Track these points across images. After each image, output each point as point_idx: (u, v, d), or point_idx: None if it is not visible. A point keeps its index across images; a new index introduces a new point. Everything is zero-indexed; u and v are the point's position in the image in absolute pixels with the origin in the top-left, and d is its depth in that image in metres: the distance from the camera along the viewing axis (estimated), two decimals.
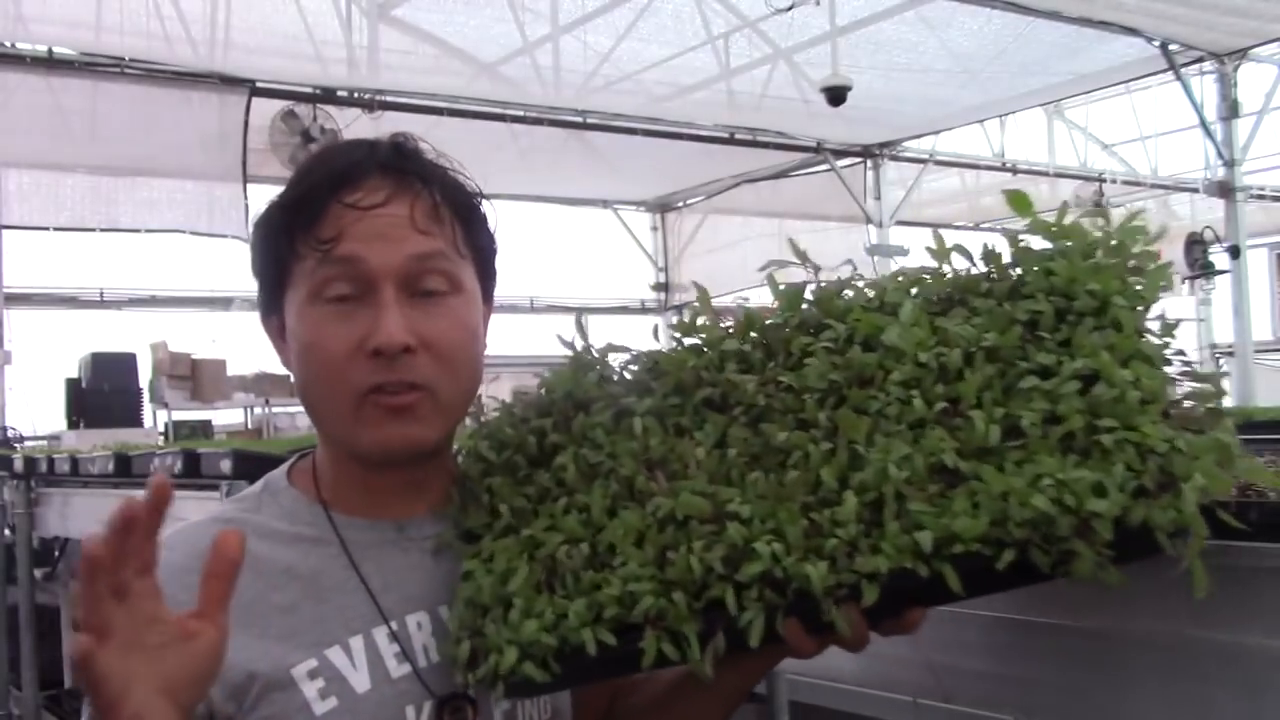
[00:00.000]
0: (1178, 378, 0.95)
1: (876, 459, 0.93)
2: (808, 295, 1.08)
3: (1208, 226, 11.30)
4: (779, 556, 0.92)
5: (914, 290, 1.05)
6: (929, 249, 1.06)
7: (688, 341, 1.11)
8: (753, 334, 1.08)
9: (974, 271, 1.04)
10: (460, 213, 1.11)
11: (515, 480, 1.10)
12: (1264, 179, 12.96)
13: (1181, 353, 0.96)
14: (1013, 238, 1.03)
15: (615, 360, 1.14)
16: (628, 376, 1.12)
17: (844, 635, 0.92)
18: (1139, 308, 0.96)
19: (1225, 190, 10.73)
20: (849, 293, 1.07)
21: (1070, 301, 0.96)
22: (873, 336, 1.00)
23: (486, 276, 1.17)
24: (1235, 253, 10.46)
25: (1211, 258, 11.21)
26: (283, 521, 1.12)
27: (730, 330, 1.10)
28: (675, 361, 1.08)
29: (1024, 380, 0.92)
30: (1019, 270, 1.01)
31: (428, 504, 1.14)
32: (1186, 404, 0.92)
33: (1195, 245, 11.23)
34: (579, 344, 1.15)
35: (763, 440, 1.00)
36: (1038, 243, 1.02)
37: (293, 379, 1.12)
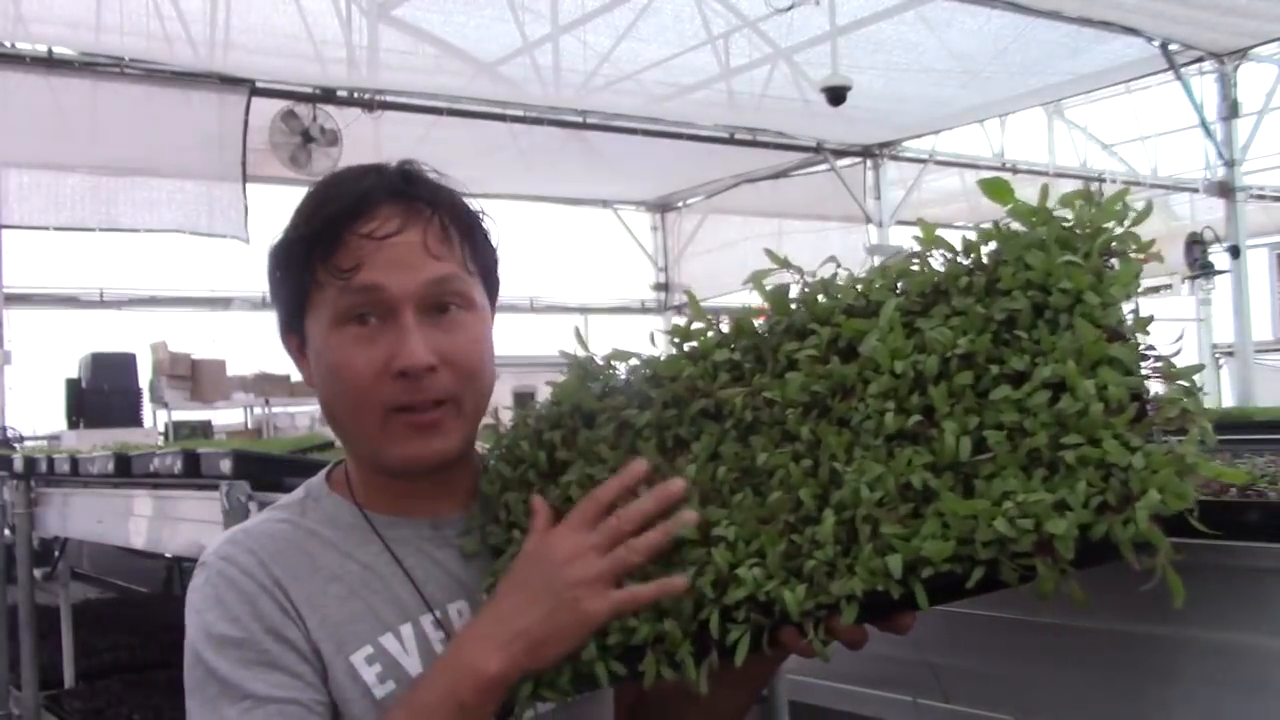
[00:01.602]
0: (1153, 374, 0.93)
1: (851, 479, 0.95)
2: (793, 296, 1.09)
3: (1208, 226, 11.31)
4: (760, 582, 0.95)
5: (898, 285, 1.04)
6: (915, 237, 1.05)
7: (686, 346, 1.13)
8: (743, 341, 1.09)
9: (959, 262, 1.02)
10: (466, 233, 1.18)
11: (528, 497, 1.13)
12: (1264, 179, 12.97)
13: (1153, 348, 0.94)
14: (995, 227, 1.01)
15: (620, 366, 1.16)
16: (630, 384, 1.15)
17: (823, 659, 0.95)
18: (1112, 304, 0.94)
19: (1225, 190, 10.74)
20: (836, 292, 1.07)
21: (1047, 296, 0.95)
22: (856, 340, 1.00)
23: (492, 289, 1.23)
24: (1235, 253, 10.47)
25: (1211, 258, 11.22)
26: (327, 526, 1.19)
27: (722, 337, 1.11)
28: (671, 369, 1.10)
29: (996, 389, 0.92)
30: (1002, 258, 0.99)
31: (457, 502, 1.21)
32: (1161, 405, 0.91)
33: (1195, 245, 11.23)
34: (580, 353, 1.17)
35: (751, 453, 1.03)
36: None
37: (318, 395, 1.19)
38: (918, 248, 1.05)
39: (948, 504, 0.89)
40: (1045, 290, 0.94)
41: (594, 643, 1.02)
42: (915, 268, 1.04)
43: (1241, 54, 9.92)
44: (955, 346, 0.95)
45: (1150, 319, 0.94)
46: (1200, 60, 9.90)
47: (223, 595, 1.11)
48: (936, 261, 1.03)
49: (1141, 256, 0.97)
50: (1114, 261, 0.97)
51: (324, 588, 1.13)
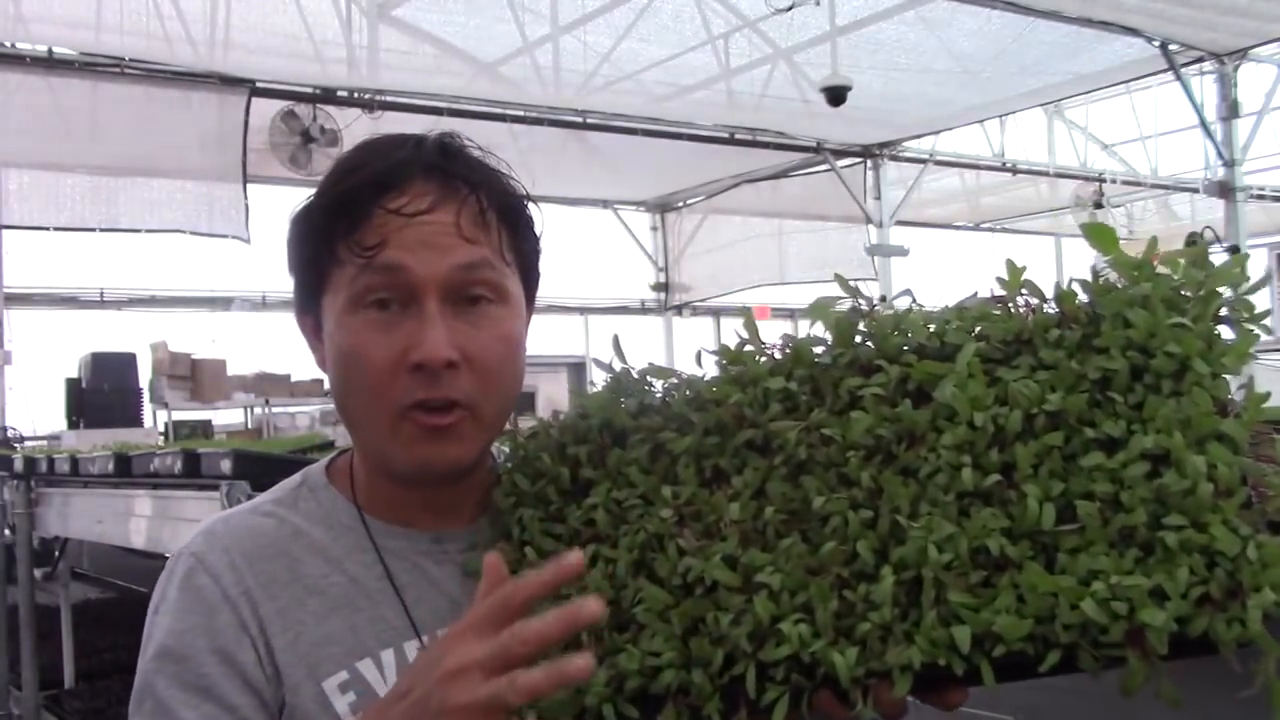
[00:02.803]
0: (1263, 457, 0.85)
1: (917, 535, 0.86)
2: (861, 329, 0.99)
3: (1208, 226, 11.31)
4: (806, 640, 0.86)
5: (976, 329, 0.94)
6: (999, 279, 0.95)
7: (733, 370, 1.03)
8: (800, 370, 0.99)
9: (1045, 310, 0.93)
10: (507, 217, 1.07)
11: (546, 515, 1.04)
12: (1264, 179, 12.97)
13: (1275, 423, 0.87)
14: (1093, 276, 0.92)
15: (657, 383, 1.07)
16: (668, 403, 1.05)
17: None
18: (1222, 376, 0.86)
19: (1225, 190, 10.73)
20: (907, 329, 0.98)
21: (1148, 358, 0.86)
22: (928, 384, 0.92)
23: (530, 281, 1.14)
24: (1235, 253, 10.47)
25: (1211, 258, 11.21)
26: (320, 524, 1.09)
27: (776, 364, 1.01)
28: (717, 394, 1.01)
29: (1087, 455, 0.85)
30: (1099, 312, 0.91)
31: (463, 518, 1.10)
32: (1273, 493, 0.83)
33: (1195, 245, 11.23)
34: (617, 365, 1.09)
35: (803, 495, 0.93)
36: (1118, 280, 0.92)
37: (327, 382, 1.09)
38: (999, 290, 0.96)
39: (1030, 577, 0.81)
40: (1147, 353, 0.87)
41: (604, 682, 0.92)
42: (997, 312, 0.95)
43: (1241, 54, 9.91)
44: (1043, 402, 0.87)
45: (1266, 395, 0.85)
46: (1200, 60, 9.89)
47: (180, 601, 1.03)
48: (1019, 307, 0.94)
49: (1254, 328, 0.89)
50: (1221, 329, 0.89)
51: (302, 600, 1.03)
